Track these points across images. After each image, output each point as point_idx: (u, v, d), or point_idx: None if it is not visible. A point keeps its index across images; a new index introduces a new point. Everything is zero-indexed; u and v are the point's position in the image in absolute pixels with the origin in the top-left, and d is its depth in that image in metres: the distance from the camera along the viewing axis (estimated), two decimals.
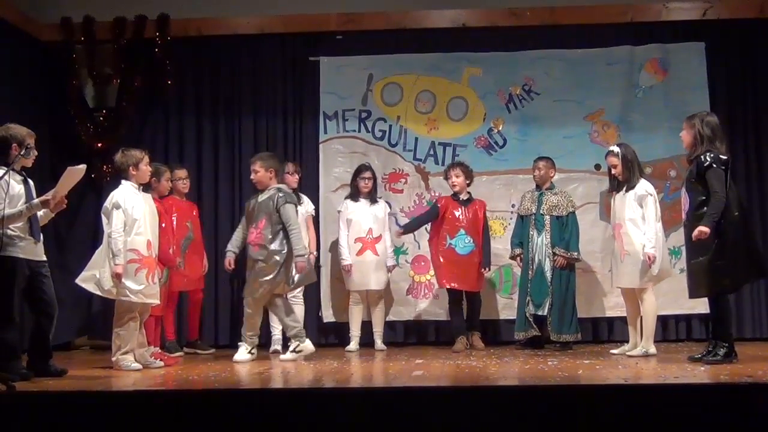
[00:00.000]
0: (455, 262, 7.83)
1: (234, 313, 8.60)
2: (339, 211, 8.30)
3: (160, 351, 7.22)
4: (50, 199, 5.92)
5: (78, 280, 6.70)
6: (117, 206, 6.58)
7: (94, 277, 6.60)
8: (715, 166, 6.19)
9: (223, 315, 8.64)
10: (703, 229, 6.14)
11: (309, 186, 8.65)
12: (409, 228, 8.19)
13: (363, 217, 8.14)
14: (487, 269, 7.98)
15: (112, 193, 6.71)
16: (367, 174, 8.20)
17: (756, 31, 8.58)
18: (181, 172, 8.15)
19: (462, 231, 7.88)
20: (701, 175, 6.25)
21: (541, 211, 7.82)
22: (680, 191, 7.00)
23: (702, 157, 6.26)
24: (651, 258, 6.94)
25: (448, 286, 7.93)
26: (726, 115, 8.38)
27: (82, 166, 6.09)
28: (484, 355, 7.25)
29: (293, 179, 8.10)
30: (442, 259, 7.91)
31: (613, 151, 7.21)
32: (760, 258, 6.39)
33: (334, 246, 8.41)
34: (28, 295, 6.07)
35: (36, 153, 6.12)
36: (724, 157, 6.26)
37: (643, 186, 7.13)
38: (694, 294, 6.47)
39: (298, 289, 8.04)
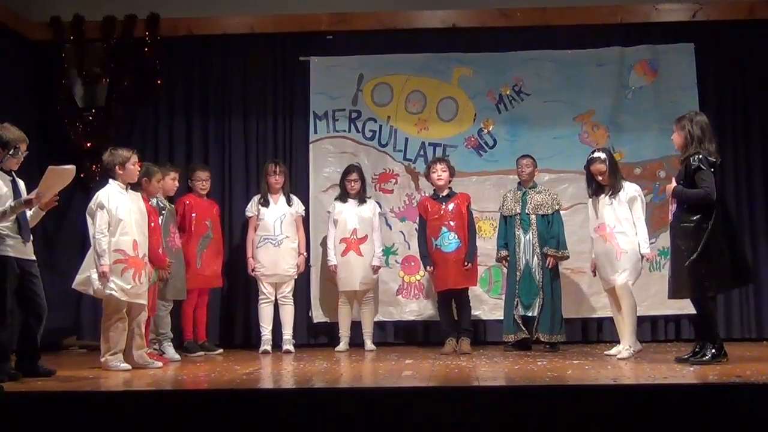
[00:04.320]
0: (443, 262, 7.72)
1: (226, 314, 8.62)
2: (328, 212, 8.30)
3: (155, 351, 7.22)
4: (33, 199, 5.90)
5: (74, 285, 6.71)
6: (101, 206, 6.56)
7: (87, 279, 6.62)
8: (703, 168, 6.19)
9: (237, 314, 8.67)
10: (670, 186, 6.30)
11: (299, 186, 8.65)
12: (423, 252, 7.90)
13: (348, 218, 8.14)
14: (468, 264, 7.72)
15: (96, 194, 6.70)
16: (353, 176, 8.20)
17: (745, 32, 8.60)
18: (203, 174, 8.21)
19: (444, 229, 7.74)
20: (690, 178, 6.25)
21: (527, 211, 7.80)
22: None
23: (691, 159, 6.26)
24: (649, 258, 7.06)
25: (439, 290, 7.87)
26: (715, 116, 8.39)
27: (71, 167, 6.07)
28: (474, 356, 7.26)
29: (274, 180, 8.10)
30: (434, 263, 7.80)
31: (600, 158, 7.17)
32: (745, 265, 6.42)
33: (324, 246, 8.40)
34: (18, 295, 6.04)
35: (23, 156, 6.07)
36: (713, 159, 6.26)
37: (632, 187, 7.20)
38: (675, 295, 6.47)
39: (288, 289, 8.05)
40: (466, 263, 7.72)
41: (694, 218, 6.20)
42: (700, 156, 6.23)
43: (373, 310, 8.26)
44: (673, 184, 6.33)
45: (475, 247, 7.86)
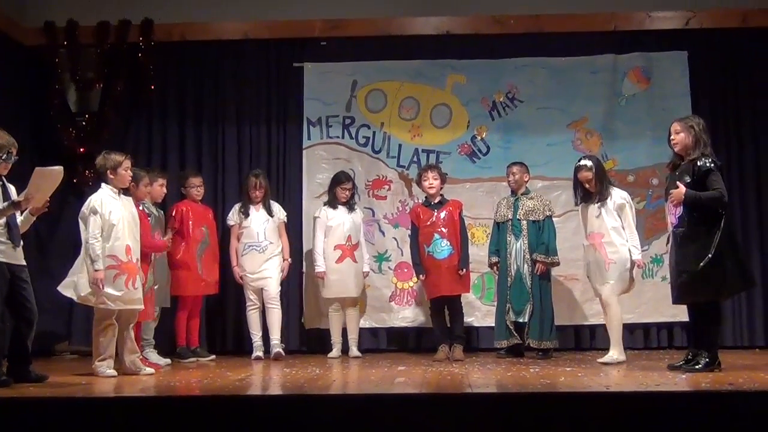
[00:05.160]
0: (435, 269, 7.73)
1: (218, 320, 8.61)
2: (316, 218, 8.27)
3: (141, 356, 7.19)
4: (22, 201, 5.88)
5: (59, 287, 6.66)
6: (94, 211, 6.53)
7: (73, 283, 6.56)
8: (715, 169, 6.17)
9: (229, 320, 8.64)
10: (682, 190, 6.15)
11: (291, 192, 8.68)
12: (416, 260, 7.90)
13: (342, 225, 8.15)
14: (463, 270, 7.77)
15: (89, 198, 6.66)
16: (348, 185, 8.22)
17: (738, 40, 8.64)
18: (196, 180, 8.21)
19: (436, 236, 7.75)
20: (699, 181, 6.19)
21: (518, 217, 7.81)
22: (663, 199, 7.02)
23: (699, 162, 6.20)
24: (640, 264, 7.03)
25: (431, 298, 7.86)
26: (708, 123, 8.35)
27: (58, 168, 6.03)
28: (467, 363, 7.25)
29: (254, 195, 8.11)
30: (425, 270, 7.80)
31: (586, 165, 7.18)
32: (749, 268, 6.40)
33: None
34: (8, 301, 6.00)
35: (13, 161, 6.05)
36: (719, 162, 6.26)
37: (619, 194, 7.19)
38: (683, 300, 6.39)
39: (275, 294, 8.01)
40: (461, 269, 7.73)
41: (705, 221, 6.15)
42: (710, 159, 6.20)
43: (358, 316, 8.27)
44: (683, 188, 6.20)
45: (468, 254, 7.88)
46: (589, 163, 7.20)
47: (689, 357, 6.35)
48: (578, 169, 7.24)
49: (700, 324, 6.41)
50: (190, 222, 8.01)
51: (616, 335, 7.06)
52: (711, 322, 6.32)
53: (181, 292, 7.96)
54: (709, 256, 6.08)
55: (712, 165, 6.18)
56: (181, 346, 7.94)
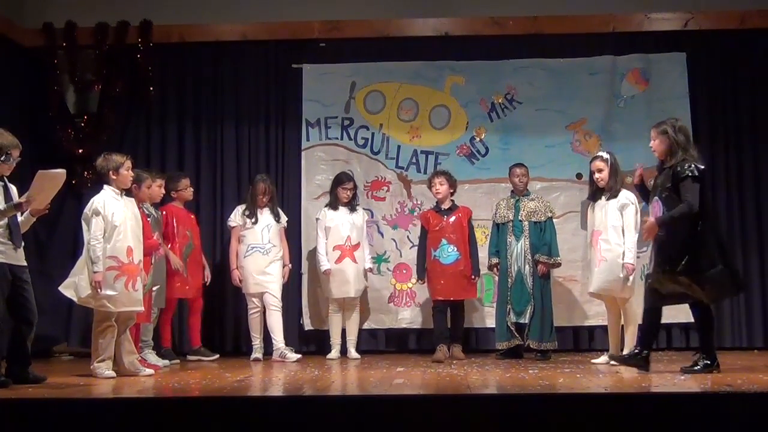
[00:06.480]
0: (441, 273, 7.81)
1: (216, 321, 8.60)
2: (317, 219, 8.28)
3: (140, 357, 7.19)
4: (24, 203, 5.88)
5: (60, 287, 6.65)
6: (96, 213, 6.51)
7: (74, 284, 6.55)
8: (690, 177, 6.11)
9: (227, 321, 8.64)
10: (651, 223, 6.18)
11: (290, 194, 8.68)
12: (421, 266, 8.02)
13: (341, 225, 8.14)
14: (476, 277, 7.94)
15: (92, 199, 6.64)
16: (350, 185, 8.21)
17: (736, 41, 8.65)
18: (186, 180, 8.23)
19: (444, 241, 7.84)
20: (677, 186, 6.18)
21: (519, 218, 7.82)
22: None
23: (679, 167, 6.17)
24: (630, 269, 6.98)
25: (436, 299, 7.91)
26: (707, 125, 8.51)
27: (61, 171, 6.04)
28: (465, 364, 7.25)
29: (260, 201, 8.10)
30: (430, 274, 7.90)
31: (602, 156, 7.17)
32: (737, 274, 6.38)
33: (314, 253, 8.38)
34: (9, 302, 5.98)
35: (14, 163, 6.04)
36: (702, 167, 6.20)
37: (626, 195, 7.14)
38: (658, 302, 6.36)
39: (275, 297, 8.00)
40: (473, 277, 7.87)
41: (681, 229, 6.14)
42: (692, 166, 6.15)
43: (358, 318, 8.27)
44: (652, 220, 6.21)
45: (478, 261, 7.96)
46: (605, 155, 7.18)
47: (695, 359, 6.33)
48: (593, 158, 7.24)
49: (697, 326, 6.43)
50: (177, 226, 8.00)
51: (630, 337, 7.06)
52: (705, 324, 6.33)
53: (171, 295, 7.93)
54: (683, 262, 6.06)
55: (689, 172, 6.12)
56: (166, 348, 7.91)
